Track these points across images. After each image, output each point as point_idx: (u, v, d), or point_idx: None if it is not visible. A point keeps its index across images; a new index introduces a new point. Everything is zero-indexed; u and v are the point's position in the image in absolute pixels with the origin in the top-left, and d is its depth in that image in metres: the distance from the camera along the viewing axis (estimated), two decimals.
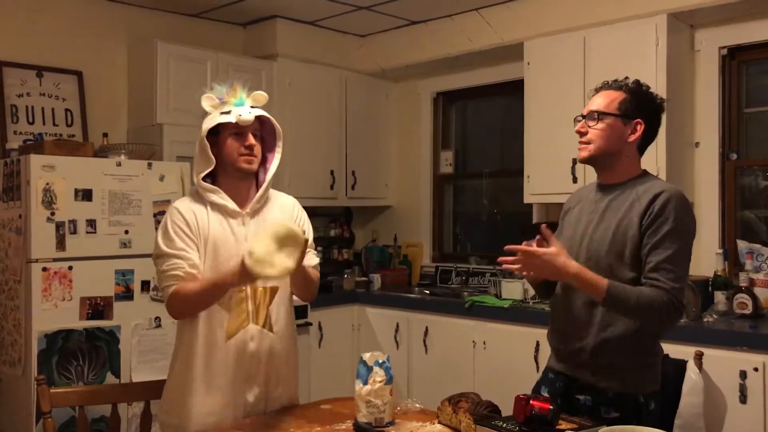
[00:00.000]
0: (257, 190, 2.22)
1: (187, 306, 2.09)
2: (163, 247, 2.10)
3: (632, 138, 2.08)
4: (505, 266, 2.01)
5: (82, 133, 4.03)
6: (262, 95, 2.19)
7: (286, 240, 1.92)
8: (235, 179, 2.18)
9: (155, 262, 2.14)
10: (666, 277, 1.92)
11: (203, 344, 2.11)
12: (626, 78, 2.14)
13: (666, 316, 1.92)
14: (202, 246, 2.12)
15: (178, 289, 2.07)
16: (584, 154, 2.11)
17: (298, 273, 2.04)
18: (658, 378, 2.07)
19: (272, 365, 2.19)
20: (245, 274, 1.92)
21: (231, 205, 2.16)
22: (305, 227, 2.28)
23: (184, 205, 2.16)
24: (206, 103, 2.13)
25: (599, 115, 2.07)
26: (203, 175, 2.15)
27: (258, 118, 2.16)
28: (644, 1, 3.67)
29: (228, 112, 2.12)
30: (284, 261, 1.91)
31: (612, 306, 1.96)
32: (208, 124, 2.13)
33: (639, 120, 2.07)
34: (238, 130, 2.14)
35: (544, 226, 2.03)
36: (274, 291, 2.19)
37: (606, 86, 2.14)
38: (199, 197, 2.17)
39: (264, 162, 2.25)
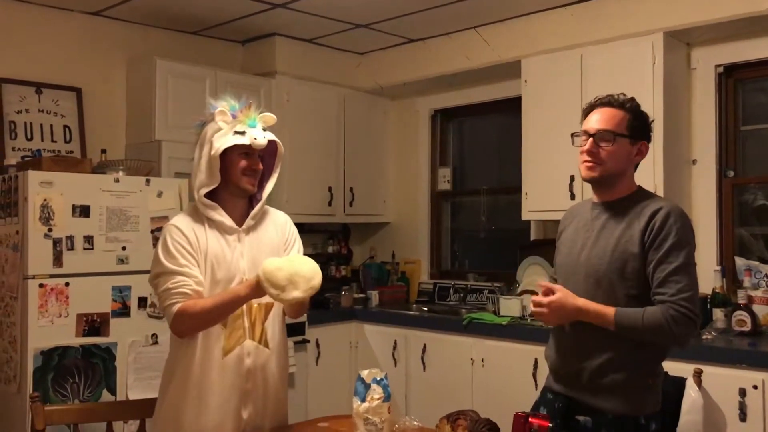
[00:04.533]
0: (252, 207, 2.24)
1: (198, 322, 2.06)
2: (167, 264, 2.08)
3: (637, 159, 2.10)
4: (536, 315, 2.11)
5: (80, 150, 4.04)
6: (272, 117, 2.21)
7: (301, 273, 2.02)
8: (233, 196, 2.19)
9: (155, 281, 2.11)
10: (673, 289, 1.93)
11: (200, 361, 2.10)
12: (622, 95, 2.13)
13: (677, 328, 1.91)
14: (202, 262, 2.12)
15: (185, 306, 2.04)
16: (593, 174, 2.09)
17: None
18: (659, 398, 2.06)
19: (267, 381, 2.18)
20: (259, 290, 1.98)
21: (228, 222, 2.17)
22: (295, 244, 2.32)
23: (183, 223, 2.15)
24: (221, 118, 2.12)
25: (615, 136, 2.05)
26: (205, 191, 2.14)
27: None
28: (641, 19, 3.70)
29: (242, 133, 2.12)
30: (307, 284, 2.02)
31: (624, 333, 1.96)
32: (223, 143, 2.10)
33: (644, 142, 2.10)
34: (247, 151, 2.15)
35: (538, 284, 2.11)
36: (269, 307, 2.20)
37: (607, 102, 2.11)
38: (196, 214, 2.17)
39: (260, 179, 2.26)
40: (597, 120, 2.09)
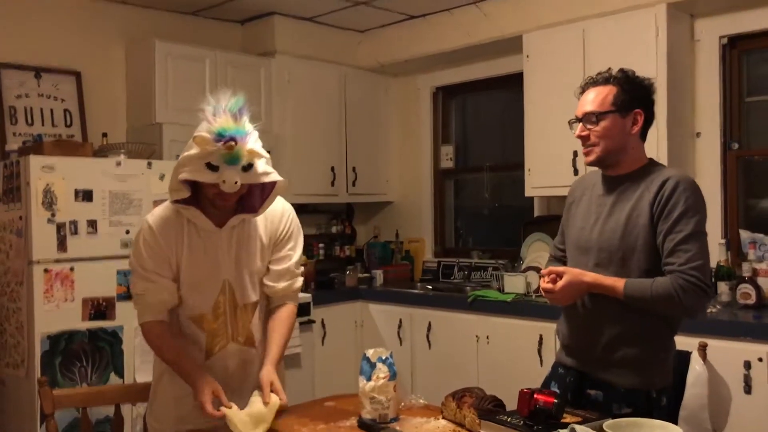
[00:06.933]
0: (242, 207, 2.09)
1: (152, 349, 2.11)
2: (136, 265, 2.06)
3: (634, 130, 2.07)
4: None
5: (81, 134, 4.02)
6: (261, 156, 1.95)
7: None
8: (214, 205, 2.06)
9: (130, 276, 2.14)
10: (682, 258, 1.91)
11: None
12: (609, 69, 2.11)
13: (686, 298, 1.89)
14: (180, 257, 2.06)
15: (150, 328, 2.07)
16: (591, 158, 2.09)
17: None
18: (670, 372, 2.06)
19: (252, 376, 2.15)
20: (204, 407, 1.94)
21: (206, 224, 2.06)
22: (290, 240, 2.19)
23: (159, 222, 2.06)
24: (201, 140, 1.88)
25: (597, 117, 2.05)
26: (175, 198, 2.00)
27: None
28: None
29: (216, 168, 1.89)
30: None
31: (634, 304, 1.96)
32: (187, 171, 1.90)
33: (637, 110, 2.06)
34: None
35: (543, 272, 2.10)
36: (254, 306, 2.16)
37: (592, 82, 2.11)
38: (176, 209, 2.07)
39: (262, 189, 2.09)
40: (583, 103, 2.10)
